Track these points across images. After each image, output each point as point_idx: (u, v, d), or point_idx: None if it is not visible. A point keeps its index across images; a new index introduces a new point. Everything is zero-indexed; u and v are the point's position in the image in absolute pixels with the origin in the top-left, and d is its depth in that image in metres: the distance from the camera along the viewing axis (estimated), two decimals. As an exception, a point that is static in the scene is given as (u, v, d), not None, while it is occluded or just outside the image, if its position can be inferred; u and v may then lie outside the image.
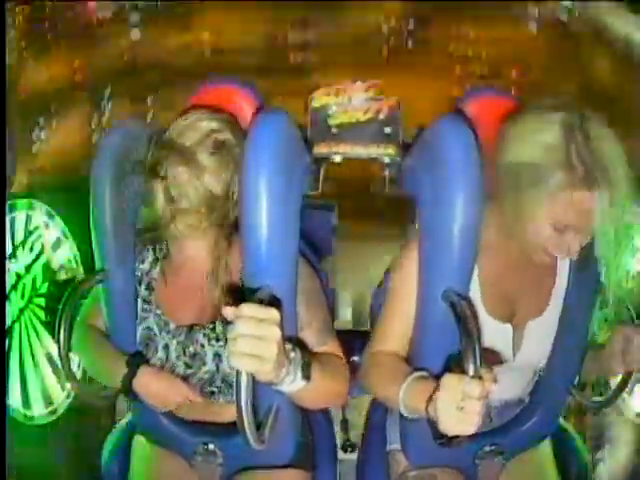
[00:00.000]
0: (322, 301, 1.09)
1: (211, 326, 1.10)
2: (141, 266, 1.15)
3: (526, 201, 0.95)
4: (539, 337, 1.11)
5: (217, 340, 1.09)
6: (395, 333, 1.09)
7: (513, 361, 1.11)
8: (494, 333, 1.07)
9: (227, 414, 1.13)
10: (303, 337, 1.02)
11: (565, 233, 0.96)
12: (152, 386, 1.07)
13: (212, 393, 1.13)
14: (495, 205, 1.00)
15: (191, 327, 1.11)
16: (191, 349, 1.11)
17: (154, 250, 1.15)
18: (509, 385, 1.15)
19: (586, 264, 1.08)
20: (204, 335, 1.10)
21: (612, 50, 2.14)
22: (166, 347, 1.12)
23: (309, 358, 0.89)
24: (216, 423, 1.15)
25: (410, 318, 1.06)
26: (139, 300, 1.14)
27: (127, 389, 1.06)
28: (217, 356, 1.10)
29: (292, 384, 0.86)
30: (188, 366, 1.12)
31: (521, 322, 1.10)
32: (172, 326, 1.12)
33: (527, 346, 1.11)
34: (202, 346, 1.10)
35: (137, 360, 1.08)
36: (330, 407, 1.40)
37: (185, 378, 1.12)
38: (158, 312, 1.13)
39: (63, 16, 2.06)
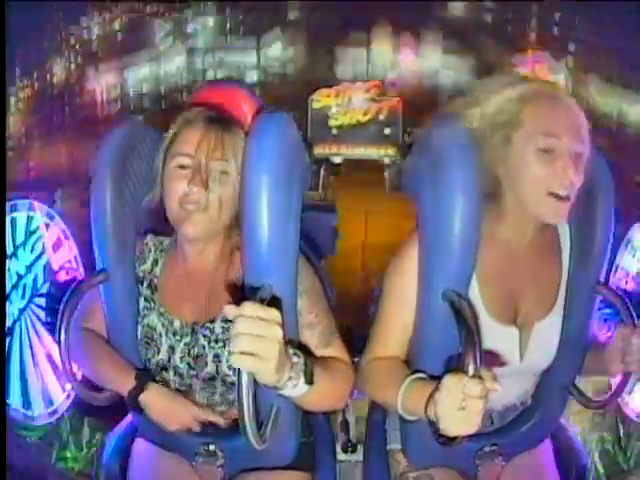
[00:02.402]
0: (325, 302, 1.08)
1: (211, 326, 1.09)
2: (142, 266, 1.14)
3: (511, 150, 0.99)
4: (546, 339, 1.09)
5: (216, 342, 1.09)
6: (393, 340, 1.08)
7: (520, 364, 1.08)
8: (498, 337, 1.05)
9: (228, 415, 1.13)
10: (307, 338, 1.02)
11: (554, 159, 0.96)
12: (158, 404, 1.06)
13: (213, 394, 1.13)
14: (491, 201, 1.00)
15: (193, 327, 1.11)
16: (195, 350, 1.10)
17: (155, 250, 1.15)
18: (513, 389, 1.14)
19: (585, 263, 1.09)
20: (204, 336, 1.09)
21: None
22: (171, 349, 1.11)
23: (312, 363, 0.89)
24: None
25: (409, 323, 1.04)
26: (141, 299, 1.13)
27: (133, 403, 1.06)
28: (216, 357, 1.09)
29: (295, 389, 0.86)
30: (191, 367, 1.11)
31: (527, 324, 1.08)
32: (177, 324, 1.11)
33: (534, 349, 1.08)
34: (203, 347, 1.10)
35: (146, 376, 1.08)
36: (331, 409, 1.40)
37: (190, 379, 1.11)
38: (162, 310, 1.13)
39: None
